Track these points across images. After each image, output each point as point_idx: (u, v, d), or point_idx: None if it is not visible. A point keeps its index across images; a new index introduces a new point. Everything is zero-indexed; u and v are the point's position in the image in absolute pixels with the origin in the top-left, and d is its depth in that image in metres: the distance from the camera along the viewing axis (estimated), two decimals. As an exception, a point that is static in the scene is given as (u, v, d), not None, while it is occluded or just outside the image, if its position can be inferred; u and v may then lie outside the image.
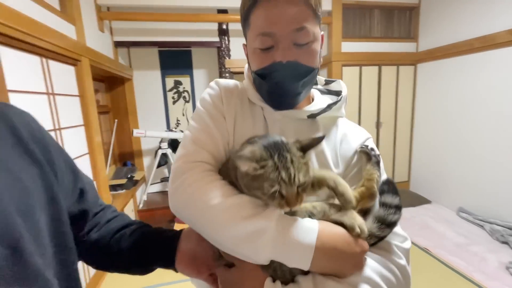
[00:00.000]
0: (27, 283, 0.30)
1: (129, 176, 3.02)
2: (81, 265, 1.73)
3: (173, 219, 2.68)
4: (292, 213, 0.44)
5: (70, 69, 1.84)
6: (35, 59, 1.47)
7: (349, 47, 2.99)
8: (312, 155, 0.53)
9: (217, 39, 2.94)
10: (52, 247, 0.37)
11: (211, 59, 3.30)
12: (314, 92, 0.63)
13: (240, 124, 0.54)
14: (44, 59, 1.54)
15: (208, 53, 3.28)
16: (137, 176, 3.14)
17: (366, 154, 0.53)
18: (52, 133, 1.57)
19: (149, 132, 2.87)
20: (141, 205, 3.20)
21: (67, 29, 1.80)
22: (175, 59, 3.28)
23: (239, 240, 0.40)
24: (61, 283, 0.37)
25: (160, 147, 2.99)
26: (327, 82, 0.66)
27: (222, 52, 2.98)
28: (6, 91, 1.21)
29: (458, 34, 2.68)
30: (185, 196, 0.44)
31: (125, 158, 3.38)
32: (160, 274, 1.94)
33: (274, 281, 0.42)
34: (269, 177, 0.39)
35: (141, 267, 0.50)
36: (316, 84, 0.67)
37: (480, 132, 2.57)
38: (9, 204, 0.31)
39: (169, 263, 0.48)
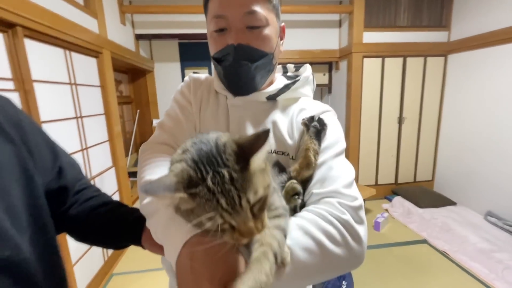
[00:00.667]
0: None
1: (148, 164, 3.17)
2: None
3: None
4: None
5: (92, 61, 1.96)
6: (59, 52, 1.58)
7: (371, 37, 2.83)
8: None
9: (234, 30, 2.93)
10: (28, 216, 0.40)
11: (229, 51, 3.31)
12: (278, 77, 0.64)
13: (204, 111, 0.59)
14: (67, 52, 1.65)
15: (226, 45, 3.29)
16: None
17: (305, 125, 0.54)
18: (74, 121, 1.69)
19: (168, 122, 2.98)
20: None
21: (89, 23, 1.90)
22: (194, 51, 3.34)
23: (146, 212, 0.44)
24: (37, 249, 0.41)
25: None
26: (297, 69, 0.68)
27: (239, 43, 2.97)
28: (31, 81, 1.32)
29: (497, 22, 2.42)
30: (138, 172, 0.52)
31: (146, 147, 3.55)
32: None
33: None
34: (205, 208, 0.30)
35: (114, 244, 0.54)
36: (287, 72, 0.69)
37: (516, 130, 2.33)
38: None
39: (136, 242, 0.51)
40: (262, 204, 0.33)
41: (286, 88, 0.58)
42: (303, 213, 0.45)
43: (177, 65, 3.37)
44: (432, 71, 3.01)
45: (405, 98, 3.04)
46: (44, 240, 0.43)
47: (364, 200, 2.71)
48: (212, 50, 0.56)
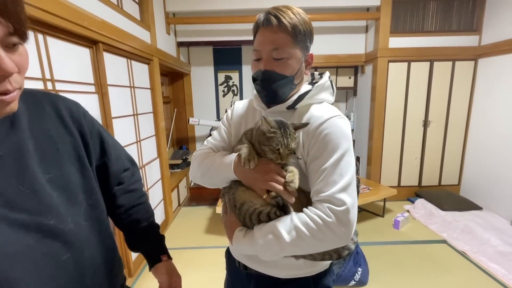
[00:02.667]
0: (39, 212, 0.43)
1: (184, 158, 3.53)
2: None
3: (217, 197, 3.07)
4: (283, 164, 0.67)
5: (145, 67, 2.31)
6: (123, 60, 1.93)
7: (397, 42, 2.91)
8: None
9: (264, 37, 3.17)
10: (82, 194, 0.52)
11: (258, 55, 3.56)
12: (304, 86, 0.77)
13: (245, 125, 0.82)
14: (128, 60, 2.00)
15: (256, 50, 3.54)
16: (190, 158, 3.63)
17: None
18: (132, 118, 2.04)
19: (202, 120, 3.30)
20: (192, 183, 3.70)
21: (144, 35, 2.25)
22: (227, 56, 3.64)
23: (219, 169, 0.73)
24: (90, 221, 0.52)
25: (210, 134, 3.40)
26: (321, 76, 0.80)
27: (268, 49, 3.20)
28: (107, 85, 1.66)
29: (530, 25, 2.40)
30: (192, 163, 0.82)
31: (182, 143, 3.92)
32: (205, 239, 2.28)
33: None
34: (277, 139, 0.63)
35: (131, 247, 0.74)
36: (314, 79, 0.83)
37: (547, 136, 2.30)
38: (33, 157, 0.45)
39: (149, 265, 0.73)
40: (292, 151, 0.64)
41: (300, 98, 0.72)
42: (300, 214, 0.63)
43: (211, 69, 3.69)
44: (461, 75, 3.01)
45: (431, 101, 3.07)
46: (95, 214, 0.54)
47: (385, 199, 2.81)
48: (252, 73, 0.75)
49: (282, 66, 0.68)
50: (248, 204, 0.67)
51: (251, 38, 0.75)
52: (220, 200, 2.54)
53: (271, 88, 0.72)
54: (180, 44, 3.25)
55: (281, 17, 0.65)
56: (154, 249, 0.73)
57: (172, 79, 3.74)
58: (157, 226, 0.76)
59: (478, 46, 2.94)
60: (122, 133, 1.87)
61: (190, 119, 3.27)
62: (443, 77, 3.02)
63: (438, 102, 3.08)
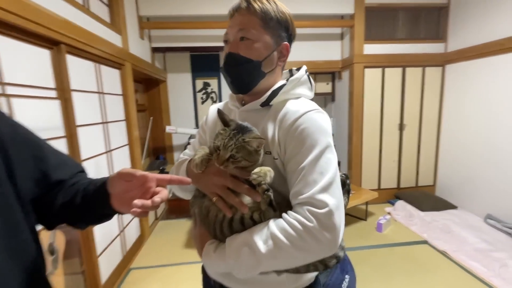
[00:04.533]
0: None
1: (161, 168, 3.35)
2: (118, 241, 2.02)
3: (198, 208, 2.93)
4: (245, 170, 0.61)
5: (116, 72, 2.16)
6: (90, 64, 1.78)
7: (372, 49, 3.01)
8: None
9: (243, 43, 3.15)
10: None
11: (237, 62, 3.52)
12: (278, 83, 0.70)
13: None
14: (97, 64, 1.85)
15: (234, 57, 3.50)
16: (168, 168, 3.45)
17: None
18: (101, 126, 1.88)
19: (180, 129, 3.17)
20: (170, 195, 3.51)
21: (114, 38, 2.12)
22: (205, 62, 3.56)
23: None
24: (7, 248, 0.42)
25: (189, 143, 3.27)
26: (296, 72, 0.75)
27: (247, 55, 3.18)
28: (70, 91, 1.51)
29: (491, 33, 2.58)
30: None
31: (158, 152, 3.73)
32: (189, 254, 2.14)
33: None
34: (221, 136, 0.59)
35: (93, 218, 0.58)
36: (292, 75, 0.75)
37: (511, 135, 2.45)
38: None
39: (109, 209, 0.53)
40: (235, 161, 0.57)
41: (274, 93, 0.66)
42: (278, 220, 0.56)
43: (188, 75, 3.58)
44: (430, 81, 3.17)
45: (405, 105, 3.19)
46: (16, 241, 0.44)
47: (367, 203, 2.82)
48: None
49: (247, 49, 0.65)
50: (217, 210, 0.60)
51: None
52: (200, 212, 2.40)
53: (236, 72, 0.67)
54: (155, 50, 3.13)
55: (252, 1, 0.64)
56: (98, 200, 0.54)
57: (147, 86, 3.58)
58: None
59: (444, 53, 3.11)
60: (89, 143, 1.71)
61: (167, 127, 3.12)
62: (414, 82, 3.16)
63: (411, 106, 3.20)
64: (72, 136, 1.52)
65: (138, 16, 2.73)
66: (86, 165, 1.64)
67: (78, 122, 1.58)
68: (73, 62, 1.57)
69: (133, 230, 2.32)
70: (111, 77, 2.09)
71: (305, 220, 0.52)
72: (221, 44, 3.29)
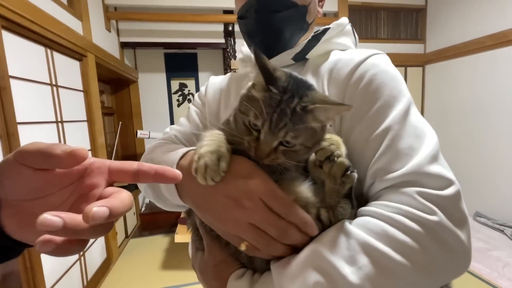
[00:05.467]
0: None
1: (132, 178, 2.95)
2: (77, 268, 1.65)
3: (176, 223, 2.58)
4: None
5: (75, 64, 1.82)
6: (39, 49, 1.44)
7: (356, 48, 2.96)
8: None
9: (222, 40, 2.93)
10: None
11: (216, 61, 3.29)
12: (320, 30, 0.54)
13: (225, 102, 0.55)
14: (49, 50, 1.51)
15: (213, 55, 3.27)
16: (140, 178, 3.08)
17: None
18: (54, 125, 1.52)
19: (153, 133, 2.83)
20: (143, 209, 3.12)
21: (73, 24, 1.78)
22: (181, 62, 3.28)
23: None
24: None
25: (164, 149, 2.94)
26: None
27: (227, 53, 2.96)
28: (8, 77, 1.17)
29: (468, 33, 2.64)
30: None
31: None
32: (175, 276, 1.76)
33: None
34: (261, 105, 0.32)
35: None
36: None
37: (495, 132, 2.47)
38: None
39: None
40: (288, 151, 0.33)
41: (315, 40, 0.48)
42: (361, 219, 0.32)
43: (162, 76, 3.28)
44: (412, 80, 3.18)
45: (390, 105, 3.16)
46: None
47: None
48: (237, 10, 0.51)
49: None
50: None
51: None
52: (180, 226, 2.08)
53: (274, 23, 0.46)
54: (124, 45, 2.79)
55: None
56: None
57: (115, 87, 3.20)
58: None
59: (424, 53, 3.16)
60: (37, 146, 1.35)
61: (139, 131, 2.77)
62: (398, 82, 3.15)
63: (395, 106, 3.18)
64: (10, 135, 1.17)
65: (103, 5, 2.40)
66: (31, 174, 1.28)
67: (20, 119, 1.23)
68: (12, 42, 1.23)
69: (96, 252, 1.93)
70: (69, 69, 1.74)
71: (421, 212, 0.30)
72: (198, 40, 3.05)
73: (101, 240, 1.99)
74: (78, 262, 1.65)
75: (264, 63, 0.33)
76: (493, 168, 2.49)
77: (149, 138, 2.80)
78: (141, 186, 0.48)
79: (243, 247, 0.33)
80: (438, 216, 0.29)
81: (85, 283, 1.70)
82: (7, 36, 1.20)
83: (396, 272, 0.28)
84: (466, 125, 2.74)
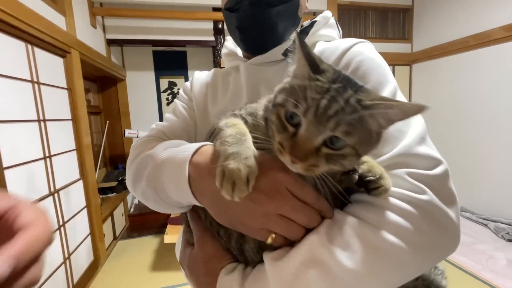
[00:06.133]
0: None
1: (120, 179, 2.89)
2: (62, 271, 1.60)
3: (165, 223, 2.54)
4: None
5: (59, 60, 1.76)
6: (19, 44, 1.38)
7: (345, 46, 2.99)
8: None
9: (212, 38, 2.90)
10: None
11: (206, 59, 3.26)
12: (306, 24, 0.56)
13: (212, 96, 0.54)
14: (29, 46, 1.45)
15: (203, 54, 3.24)
16: (128, 179, 3.01)
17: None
18: (35, 124, 1.47)
19: (142, 133, 2.77)
20: (132, 210, 3.06)
21: (56, 19, 1.72)
22: (170, 60, 3.23)
23: (159, 176, 0.39)
24: None
25: (153, 148, 2.88)
26: None
27: (217, 51, 2.93)
28: (-16, 73, 1.12)
29: (453, 32, 2.71)
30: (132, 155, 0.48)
31: (117, 161, 3.25)
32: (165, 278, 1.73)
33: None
34: (306, 92, 0.27)
35: None
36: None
37: (479, 129, 2.55)
38: None
39: None
40: (336, 155, 0.27)
41: (304, 33, 0.50)
42: (354, 206, 0.32)
43: (151, 74, 3.22)
44: (400, 79, 3.24)
45: (379, 104, 3.21)
46: None
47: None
48: (224, 1, 0.50)
49: None
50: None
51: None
52: (170, 226, 2.04)
53: (269, 17, 0.45)
54: (110, 42, 2.72)
55: None
56: None
57: (102, 86, 3.12)
58: None
59: (411, 52, 3.22)
60: (16, 145, 1.30)
61: (127, 131, 2.71)
62: (386, 81, 3.20)
63: (384, 104, 3.24)
64: (-12, 134, 1.11)
65: (88, 0, 2.33)
66: (12, 174, 1.23)
67: (-2, 117, 1.18)
68: (-10, 36, 1.17)
69: (83, 255, 1.87)
70: (52, 66, 1.68)
71: (412, 192, 0.30)
72: (187, 37, 3.01)
73: (87, 242, 1.94)
74: (63, 265, 1.60)
75: (309, 52, 0.29)
76: (478, 165, 2.57)
77: (137, 137, 2.75)
78: (138, 189, 0.44)
79: (269, 240, 0.31)
80: (428, 195, 0.30)
81: (70, 286, 1.65)
82: (-16, 30, 1.14)
83: (391, 253, 0.28)
84: (451, 122, 2.81)
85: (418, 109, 0.27)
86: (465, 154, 2.68)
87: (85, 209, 1.95)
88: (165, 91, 3.31)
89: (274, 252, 0.33)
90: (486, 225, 2.38)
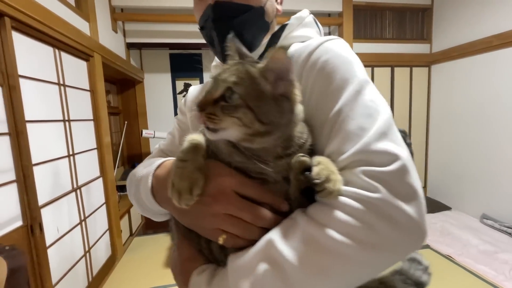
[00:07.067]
0: None
1: (137, 177, 2.99)
2: (82, 264, 1.68)
3: (180, 221, 2.61)
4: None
5: (82, 64, 1.86)
6: (48, 49, 1.48)
7: (361, 48, 2.94)
8: None
9: (227, 41, 2.95)
10: None
11: (221, 62, 3.31)
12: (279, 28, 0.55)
13: None
14: (57, 50, 1.55)
15: (218, 56, 3.29)
16: (145, 177, 3.11)
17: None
18: (61, 124, 1.56)
19: (158, 133, 2.86)
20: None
21: (81, 25, 1.82)
22: (185, 61, 3.31)
23: (137, 188, 0.48)
24: None
25: (168, 148, 2.96)
26: None
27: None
28: (17, 76, 1.20)
29: (474, 32, 2.60)
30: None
31: (134, 160, 3.37)
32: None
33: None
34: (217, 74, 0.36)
35: None
36: None
37: (501, 133, 2.43)
38: None
39: None
40: (228, 105, 0.32)
41: (275, 38, 0.49)
42: (311, 207, 0.33)
43: (167, 76, 3.31)
44: (418, 81, 3.15)
45: (395, 105, 3.13)
46: None
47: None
48: (198, 22, 0.52)
49: None
50: None
51: None
52: (183, 224, 2.09)
53: (232, 29, 0.45)
54: (130, 46, 2.83)
55: None
56: None
57: (121, 87, 3.25)
58: None
59: (429, 53, 3.12)
60: (44, 144, 1.39)
61: (144, 131, 2.80)
62: (403, 82, 3.12)
63: (401, 106, 3.16)
64: (19, 133, 1.20)
65: (110, 6, 2.44)
66: (40, 171, 1.31)
67: (28, 117, 1.26)
68: (22, 42, 1.27)
69: (101, 249, 1.96)
70: (76, 69, 1.78)
71: (364, 190, 0.30)
72: (203, 40, 3.16)
73: (105, 238, 2.02)
74: (84, 258, 1.68)
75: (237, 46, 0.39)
76: (500, 170, 2.45)
77: (154, 137, 2.84)
78: (133, 201, 0.52)
79: (221, 240, 0.34)
80: (380, 193, 0.29)
81: (90, 279, 1.73)
82: (17, 37, 1.23)
83: (339, 252, 0.29)
84: (472, 126, 2.70)
85: (278, 52, 0.31)
86: (487, 159, 2.56)
87: (104, 205, 2.04)
88: (180, 92, 3.40)
89: (237, 251, 0.35)
90: (510, 233, 2.26)
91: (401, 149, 0.32)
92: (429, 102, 3.21)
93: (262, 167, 0.34)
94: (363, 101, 0.35)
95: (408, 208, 0.29)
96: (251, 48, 0.49)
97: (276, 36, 0.49)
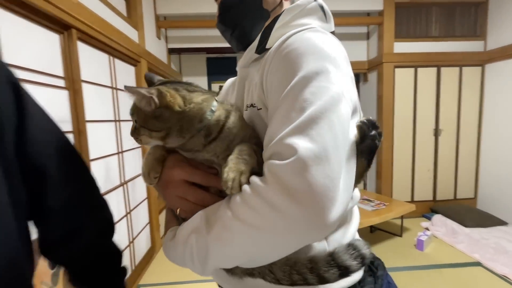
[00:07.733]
0: None
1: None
2: (127, 253, 1.81)
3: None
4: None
5: (131, 69, 2.02)
6: (104, 56, 1.64)
7: (403, 47, 2.78)
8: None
9: (262, 44, 2.99)
10: None
11: (255, 64, 3.37)
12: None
13: (227, 97, 0.63)
14: (111, 57, 1.71)
15: (253, 59, 3.35)
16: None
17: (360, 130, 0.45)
18: (113, 125, 1.71)
19: (195, 133, 2.99)
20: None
21: (131, 33, 1.99)
22: (221, 65, 3.43)
23: None
24: None
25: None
26: None
27: (267, 56, 3.02)
28: (80, 81, 1.35)
29: (540, 27, 2.31)
30: None
31: (171, 159, 3.56)
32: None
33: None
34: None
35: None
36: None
37: None
38: None
39: None
40: (144, 133, 0.42)
41: (269, 28, 0.47)
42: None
43: (204, 79, 3.45)
44: (469, 81, 2.88)
45: (441, 109, 2.90)
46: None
47: (402, 217, 2.50)
48: None
49: None
50: None
51: None
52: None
53: (231, 20, 0.51)
54: (171, 51, 3.01)
55: None
56: None
57: (162, 90, 3.46)
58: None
59: (483, 51, 2.84)
60: (99, 141, 1.53)
61: (182, 131, 2.96)
62: (451, 83, 2.88)
63: (448, 109, 2.91)
64: (81, 132, 1.35)
65: (155, 15, 2.63)
66: (95, 166, 1.45)
67: (88, 117, 1.41)
68: (84, 51, 1.42)
69: (143, 241, 2.10)
70: (126, 73, 1.95)
71: (258, 180, 0.35)
72: None
73: (146, 230, 2.17)
74: (128, 248, 1.82)
75: (149, 79, 0.48)
76: None
77: (190, 138, 2.98)
78: None
79: (177, 212, 0.46)
80: (265, 183, 0.34)
81: (133, 266, 1.87)
82: (81, 46, 1.38)
83: (236, 231, 0.35)
84: (536, 131, 2.39)
85: (127, 90, 0.38)
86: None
87: (146, 200, 2.19)
88: (216, 95, 3.52)
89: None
90: None
91: (308, 143, 0.32)
92: (481, 106, 2.92)
93: (201, 156, 0.44)
94: (303, 95, 0.36)
95: (290, 200, 0.31)
96: (251, 37, 0.51)
97: (270, 26, 0.48)
